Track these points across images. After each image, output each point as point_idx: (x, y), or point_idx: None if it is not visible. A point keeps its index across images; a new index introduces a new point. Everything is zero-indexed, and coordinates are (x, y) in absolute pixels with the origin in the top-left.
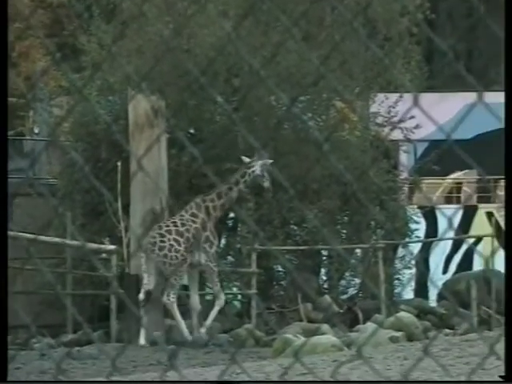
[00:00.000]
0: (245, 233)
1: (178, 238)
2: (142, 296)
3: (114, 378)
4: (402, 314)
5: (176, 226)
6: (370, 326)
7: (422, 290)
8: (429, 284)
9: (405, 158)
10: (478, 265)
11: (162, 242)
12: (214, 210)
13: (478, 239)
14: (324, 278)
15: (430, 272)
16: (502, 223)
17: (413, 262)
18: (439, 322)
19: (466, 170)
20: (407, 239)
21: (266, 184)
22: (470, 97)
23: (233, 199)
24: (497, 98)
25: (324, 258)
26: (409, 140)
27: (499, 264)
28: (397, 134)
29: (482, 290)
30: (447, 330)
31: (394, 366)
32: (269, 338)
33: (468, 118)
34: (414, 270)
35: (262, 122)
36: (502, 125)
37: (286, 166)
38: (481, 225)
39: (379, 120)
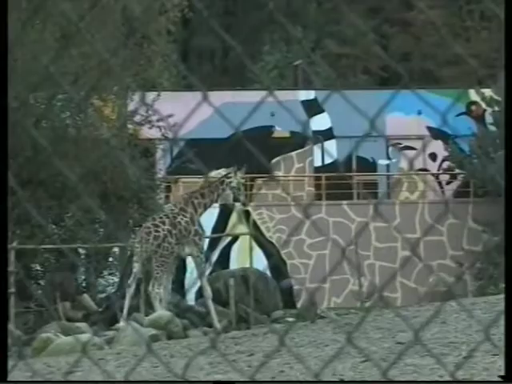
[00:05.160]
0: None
1: (171, 228)
2: (130, 283)
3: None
4: (161, 312)
5: (168, 217)
6: (129, 324)
7: (180, 288)
8: (186, 282)
9: (162, 157)
10: (234, 263)
11: (156, 231)
12: (199, 206)
13: (235, 238)
14: (82, 276)
15: (188, 270)
16: (259, 222)
17: None
18: (198, 321)
19: (223, 169)
20: None
21: (241, 197)
22: (227, 95)
23: (213, 200)
24: (253, 97)
25: (82, 256)
26: (166, 138)
27: (256, 262)
28: (155, 133)
29: (240, 288)
30: (206, 329)
31: (161, 364)
32: (27, 337)
33: (226, 117)
34: None
35: (21, 120)
36: (260, 123)
37: (45, 163)
38: (237, 223)
39: (137, 118)
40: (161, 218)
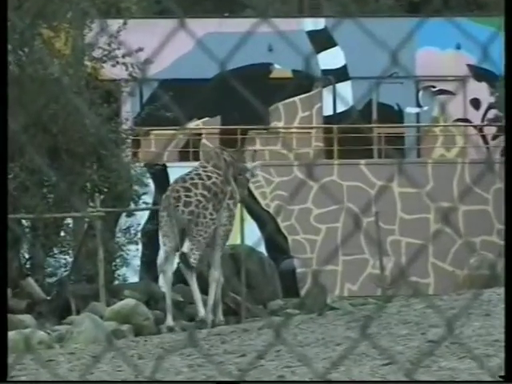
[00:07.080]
0: None
1: (205, 192)
2: (161, 260)
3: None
4: (127, 301)
5: (201, 178)
6: (86, 316)
7: (150, 270)
8: (159, 262)
9: (129, 103)
10: None
11: (187, 196)
12: (231, 165)
13: None
14: (26, 255)
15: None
16: (252, 186)
17: (139, 235)
18: (174, 311)
19: (207, 118)
20: (132, 206)
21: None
22: (212, 24)
23: (237, 171)
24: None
25: (26, 230)
26: (134, 79)
27: (248, 237)
28: (120, 72)
29: (228, 271)
30: (185, 323)
31: (127, 367)
32: None
33: (210, 50)
34: (140, 246)
35: None
36: (255, 60)
37: None
38: None
39: (97, 53)
40: (192, 178)
